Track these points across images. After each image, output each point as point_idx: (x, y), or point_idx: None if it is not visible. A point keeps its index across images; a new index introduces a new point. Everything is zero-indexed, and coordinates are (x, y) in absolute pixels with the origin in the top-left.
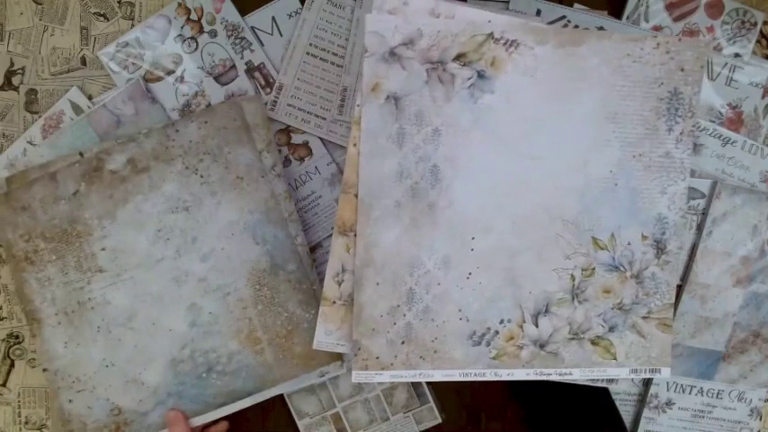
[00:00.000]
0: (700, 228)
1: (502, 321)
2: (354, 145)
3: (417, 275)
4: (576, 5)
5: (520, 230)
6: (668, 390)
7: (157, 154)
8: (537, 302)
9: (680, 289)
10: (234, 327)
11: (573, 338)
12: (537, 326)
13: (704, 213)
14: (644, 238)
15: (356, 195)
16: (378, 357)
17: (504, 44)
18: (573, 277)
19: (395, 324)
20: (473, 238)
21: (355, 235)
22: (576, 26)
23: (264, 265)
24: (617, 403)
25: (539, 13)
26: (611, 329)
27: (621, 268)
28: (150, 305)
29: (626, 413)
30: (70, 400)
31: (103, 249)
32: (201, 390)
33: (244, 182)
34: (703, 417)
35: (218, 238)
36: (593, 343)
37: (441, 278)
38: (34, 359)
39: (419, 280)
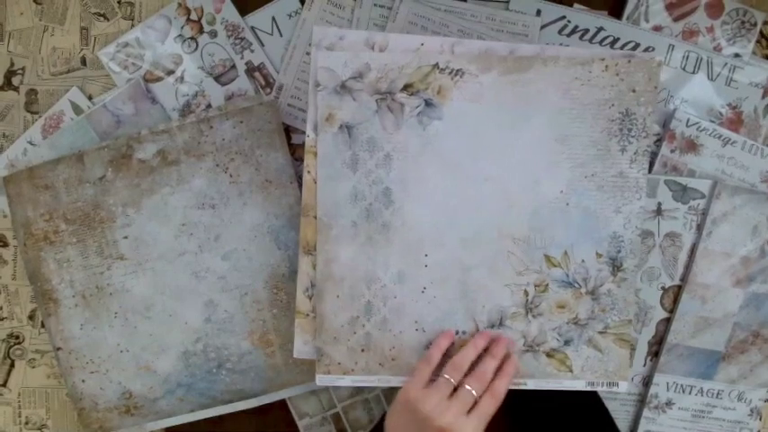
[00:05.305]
0: (700, 228)
1: (457, 333)
2: (309, 172)
3: (374, 289)
4: (576, 5)
5: (470, 248)
6: (668, 390)
7: (189, 148)
8: (491, 316)
9: (680, 289)
10: (248, 327)
11: (528, 350)
12: None
13: (704, 213)
14: (598, 255)
15: (315, 217)
16: (339, 363)
17: (450, 73)
18: (526, 292)
19: (355, 333)
20: (426, 255)
21: None
22: (576, 26)
23: (284, 270)
24: (617, 403)
25: (539, 13)
26: (567, 343)
27: (576, 285)
28: (168, 297)
29: (626, 413)
30: (83, 380)
31: (126, 237)
32: (210, 384)
33: (272, 186)
34: (703, 417)
35: (241, 239)
36: (549, 355)
37: (397, 292)
38: (35, 359)
39: (376, 293)
